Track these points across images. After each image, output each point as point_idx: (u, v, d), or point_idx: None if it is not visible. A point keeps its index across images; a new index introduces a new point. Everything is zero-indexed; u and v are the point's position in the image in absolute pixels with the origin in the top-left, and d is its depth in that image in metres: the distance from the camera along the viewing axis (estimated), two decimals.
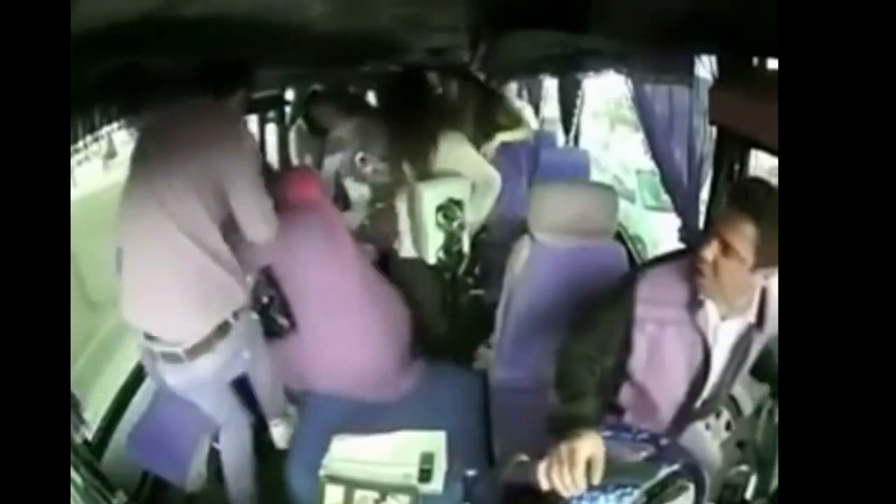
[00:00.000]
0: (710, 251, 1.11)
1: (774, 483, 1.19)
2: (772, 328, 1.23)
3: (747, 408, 2.25)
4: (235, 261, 1.64)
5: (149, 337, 1.59)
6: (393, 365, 2.02)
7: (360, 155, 2.38)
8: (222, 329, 1.61)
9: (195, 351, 1.58)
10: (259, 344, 1.83)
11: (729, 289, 1.16)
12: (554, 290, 1.80)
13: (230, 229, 1.64)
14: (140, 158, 1.57)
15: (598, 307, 1.30)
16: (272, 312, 1.94)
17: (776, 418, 1.15)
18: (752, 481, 1.09)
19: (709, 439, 1.61)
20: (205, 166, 1.52)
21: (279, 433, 1.97)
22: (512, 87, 5.02)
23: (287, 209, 1.84)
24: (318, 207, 2.01)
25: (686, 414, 1.34)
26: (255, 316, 1.85)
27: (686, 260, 1.22)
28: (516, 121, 3.58)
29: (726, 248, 1.09)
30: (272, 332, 1.93)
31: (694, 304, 1.21)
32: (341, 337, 1.91)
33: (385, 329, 2.02)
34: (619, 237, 2.17)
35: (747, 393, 2.21)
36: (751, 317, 1.23)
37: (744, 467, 1.06)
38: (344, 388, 1.91)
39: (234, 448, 1.86)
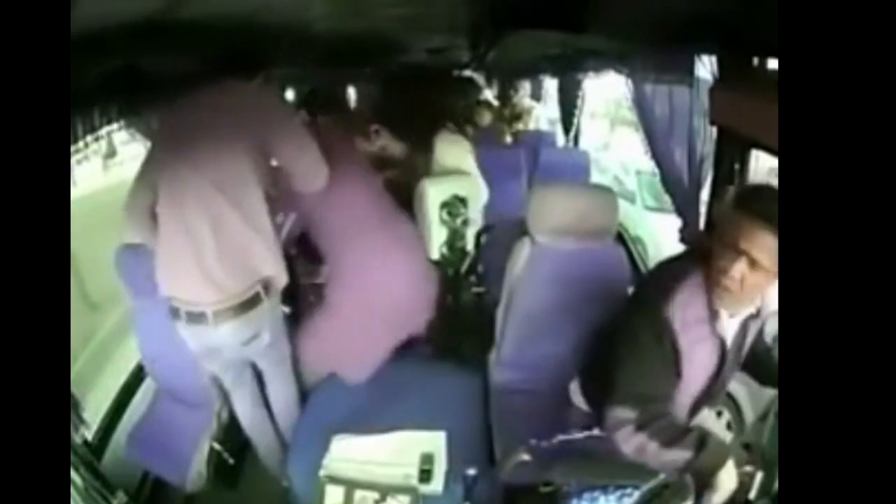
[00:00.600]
0: (738, 270, 1.10)
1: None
2: (766, 314, 1.26)
3: (747, 408, 2.25)
4: (275, 236, 1.69)
5: (177, 299, 1.62)
6: (422, 297, 2.08)
7: (374, 126, 2.37)
8: (252, 301, 1.64)
9: (221, 315, 1.60)
10: (280, 336, 1.85)
11: (748, 297, 1.18)
12: (554, 293, 1.80)
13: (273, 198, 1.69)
14: (173, 135, 1.62)
15: (646, 353, 1.24)
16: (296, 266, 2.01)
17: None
18: (757, 481, 1.09)
19: (714, 422, 1.62)
20: (243, 133, 1.57)
21: None
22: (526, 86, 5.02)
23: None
24: (354, 162, 2.05)
25: (699, 406, 1.36)
26: (284, 308, 1.89)
27: (699, 275, 1.21)
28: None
29: (753, 264, 1.09)
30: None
31: (714, 316, 1.22)
32: (376, 263, 1.94)
33: (412, 259, 2.07)
34: (620, 238, 2.17)
35: (747, 395, 2.21)
36: (752, 308, 1.25)
37: (749, 468, 1.06)
38: (378, 323, 1.96)
39: (248, 409, 1.92)
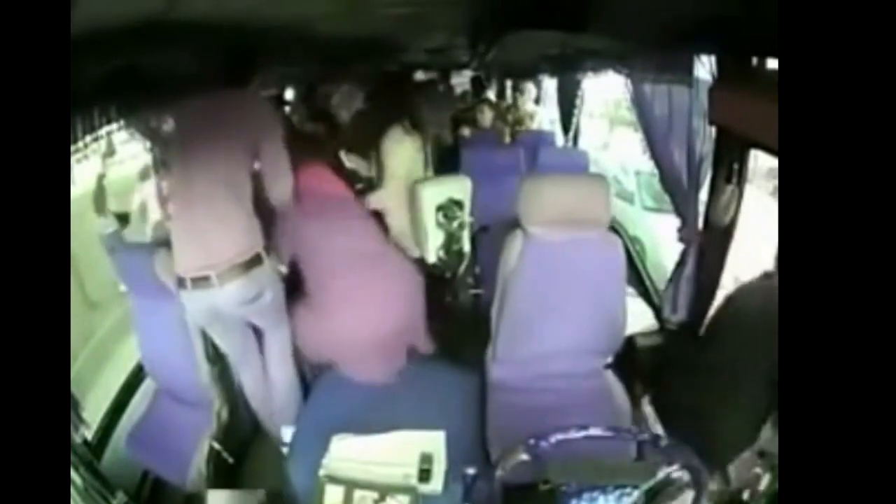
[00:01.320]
0: None
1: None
2: None
3: None
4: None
5: (185, 271, 1.76)
6: (409, 329, 2.07)
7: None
8: (253, 261, 1.79)
9: (225, 276, 1.74)
10: (280, 296, 1.96)
11: None
12: (548, 283, 1.78)
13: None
14: (182, 136, 1.86)
15: None
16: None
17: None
18: (764, 482, 1.09)
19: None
20: (241, 136, 1.80)
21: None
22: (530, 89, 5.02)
23: (310, 197, 2.01)
24: (340, 198, 2.12)
25: None
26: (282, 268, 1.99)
27: None
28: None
29: None
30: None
31: None
32: (361, 298, 1.95)
33: (402, 292, 2.06)
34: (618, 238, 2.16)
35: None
36: None
37: (757, 469, 1.06)
38: (360, 352, 1.94)
39: (252, 383, 2.01)
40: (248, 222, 1.83)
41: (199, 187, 1.77)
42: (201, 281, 1.74)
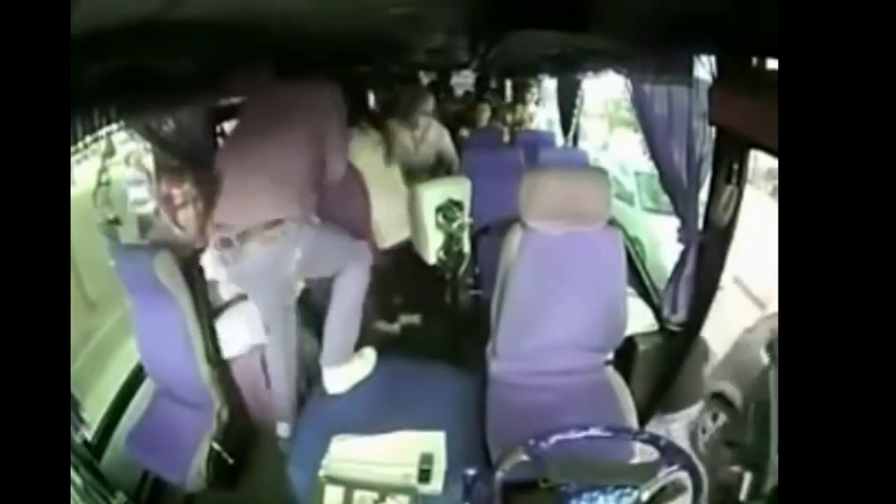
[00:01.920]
0: None
1: (769, 483, 1.19)
2: None
3: (741, 410, 2.24)
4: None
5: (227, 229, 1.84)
6: None
7: None
8: (275, 223, 1.82)
9: (244, 236, 1.79)
10: (321, 253, 2.00)
11: None
12: (547, 278, 1.78)
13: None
14: (253, 112, 2.03)
15: None
16: None
17: (765, 416, 1.15)
18: (746, 482, 1.09)
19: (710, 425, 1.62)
20: (309, 122, 1.94)
21: (336, 375, 2.02)
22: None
23: None
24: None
25: None
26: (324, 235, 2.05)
27: None
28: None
29: None
30: None
31: None
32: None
33: None
34: None
35: (742, 397, 2.21)
36: None
37: (735, 467, 1.06)
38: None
39: (279, 356, 2.03)
40: (292, 192, 1.91)
41: (257, 158, 1.87)
42: (225, 242, 1.81)
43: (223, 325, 2.04)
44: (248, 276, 1.92)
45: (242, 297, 2.11)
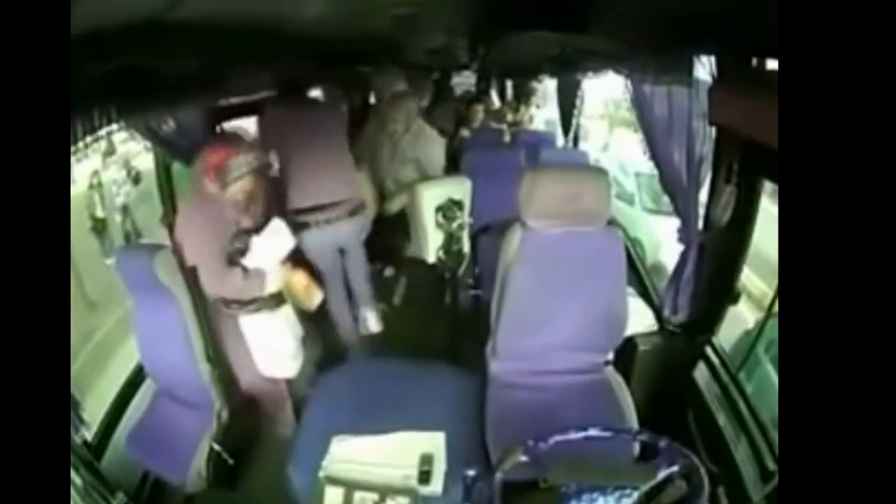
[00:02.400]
0: None
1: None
2: None
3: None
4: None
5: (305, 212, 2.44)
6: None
7: None
8: (362, 205, 2.54)
9: (343, 215, 2.48)
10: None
11: None
12: (547, 276, 1.78)
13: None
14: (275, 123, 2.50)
15: None
16: None
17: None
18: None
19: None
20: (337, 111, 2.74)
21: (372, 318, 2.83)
22: None
23: None
24: None
25: None
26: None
27: None
28: None
29: None
30: None
31: None
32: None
33: None
34: None
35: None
36: None
37: None
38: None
39: (337, 293, 2.67)
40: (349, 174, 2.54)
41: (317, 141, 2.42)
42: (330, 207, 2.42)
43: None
44: (327, 245, 2.52)
45: None
